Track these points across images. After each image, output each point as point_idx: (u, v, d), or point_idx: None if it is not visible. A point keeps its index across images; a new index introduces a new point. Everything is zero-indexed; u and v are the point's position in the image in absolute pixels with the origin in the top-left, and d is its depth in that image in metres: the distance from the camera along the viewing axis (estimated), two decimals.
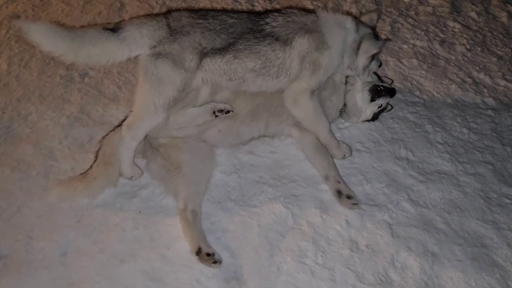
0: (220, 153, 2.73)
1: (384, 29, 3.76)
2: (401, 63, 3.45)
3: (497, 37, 3.77)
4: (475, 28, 3.85)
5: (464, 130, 2.97)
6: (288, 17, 2.46)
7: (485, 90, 3.29)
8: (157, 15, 2.43)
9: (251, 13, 2.52)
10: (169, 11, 2.47)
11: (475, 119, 3.06)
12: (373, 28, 2.70)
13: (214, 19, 2.38)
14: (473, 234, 2.42)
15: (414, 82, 3.31)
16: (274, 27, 2.42)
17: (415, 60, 3.48)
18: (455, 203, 2.56)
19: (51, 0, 4.07)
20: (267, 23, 2.42)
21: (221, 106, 2.53)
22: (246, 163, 2.71)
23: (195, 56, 2.33)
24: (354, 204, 2.46)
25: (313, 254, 2.29)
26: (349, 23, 2.54)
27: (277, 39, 2.40)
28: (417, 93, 3.23)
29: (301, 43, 2.42)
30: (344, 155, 2.71)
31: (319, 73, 2.48)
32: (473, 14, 3.99)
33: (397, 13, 3.95)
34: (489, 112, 3.13)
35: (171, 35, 2.30)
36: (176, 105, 2.45)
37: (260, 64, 2.41)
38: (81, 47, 2.22)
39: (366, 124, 2.94)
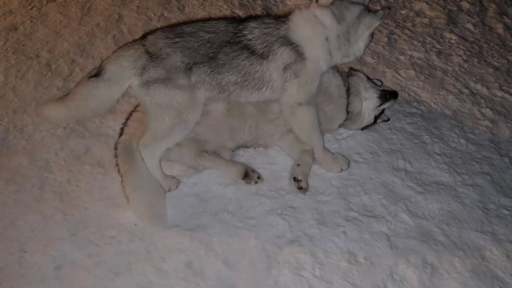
0: None
1: (381, 40, 3.78)
2: (399, 74, 3.46)
3: (493, 48, 3.79)
4: (472, 39, 3.88)
5: (462, 141, 2.97)
6: (264, 28, 2.40)
7: (482, 101, 3.30)
8: (134, 42, 2.41)
9: (230, 23, 2.46)
10: (145, 35, 2.43)
11: (472, 130, 3.06)
12: (364, 6, 2.51)
13: (191, 36, 2.34)
14: (472, 245, 2.40)
15: (412, 93, 3.32)
16: (250, 39, 2.37)
17: (412, 71, 3.49)
18: (454, 214, 2.54)
19: (49, 11, 4.09)
20: (243, 35, 2.37)
21: None
22: None
23: (181, 74, 2.30)
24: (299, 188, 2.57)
25: (311, 266, 2.27)
26: (328, 19, 2.40)
27: (253, 53, 2.36)
28: (415, 104, 3.23)
29: (278, 58, 2.38)
30: (341, 169, 2.69)
31: (306, 85, 2.44)
32: (469, 26, 4.02)
33: (394, 24, 3.98)
34: (487, 122, 3.13)
35: (152, 61, 2.28)
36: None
37: (241, 77, 2.39)
38: (79, 110, 2.31)
39: (364, 135, 2.94)
